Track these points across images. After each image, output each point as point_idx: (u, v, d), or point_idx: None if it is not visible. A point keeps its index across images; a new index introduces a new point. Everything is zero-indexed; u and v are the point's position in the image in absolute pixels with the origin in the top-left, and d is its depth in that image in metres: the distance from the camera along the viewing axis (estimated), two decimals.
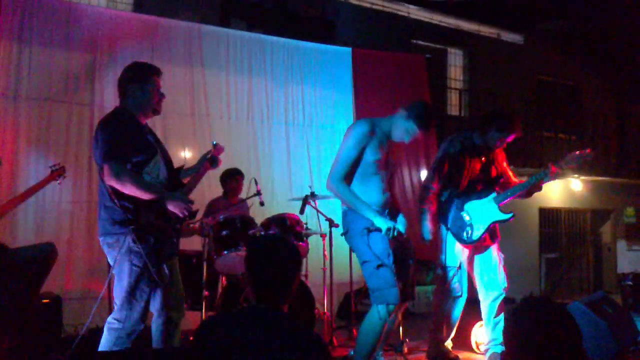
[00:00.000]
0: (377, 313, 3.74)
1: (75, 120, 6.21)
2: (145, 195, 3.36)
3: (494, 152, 4.72)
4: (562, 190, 12.21)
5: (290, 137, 7.55)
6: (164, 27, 6.87)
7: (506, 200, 4.56)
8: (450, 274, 4.61)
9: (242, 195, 6.04)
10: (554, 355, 2.08)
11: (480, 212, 4.57)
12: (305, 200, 5.39)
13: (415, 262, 4.10)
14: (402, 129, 3.94)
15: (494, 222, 4.58)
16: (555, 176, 4.57)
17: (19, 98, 6.01)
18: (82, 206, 6.14)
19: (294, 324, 2.28)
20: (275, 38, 7.65)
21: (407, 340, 4.89)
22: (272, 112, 7.46)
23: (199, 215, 4.61)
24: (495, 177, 4.71)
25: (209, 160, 3.97)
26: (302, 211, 5.36)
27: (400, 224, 3.90)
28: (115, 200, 3.38)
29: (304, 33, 8.26)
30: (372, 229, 3.78)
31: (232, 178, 6.05)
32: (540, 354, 2.07)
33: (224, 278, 5.68)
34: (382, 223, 3.75)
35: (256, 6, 8.94)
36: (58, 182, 4.89)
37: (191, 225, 5.10)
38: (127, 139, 3.41)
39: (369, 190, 3.87)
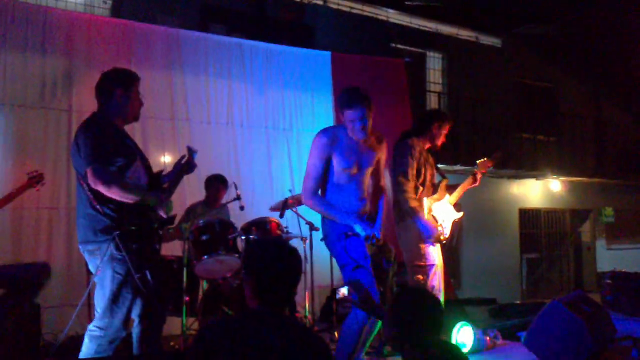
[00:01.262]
0: (355, 315, 3.76)
1: (53, 126, 6.15)
2: (131, 198, 3.35)
3: None
4: (541, 191, 12.36)
5: (271, 141, 7.53)
6: (142, 31, 6.83)
7: None
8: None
9: (223, 200, 6.03)
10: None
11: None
12: (284, 204, 5.39)
13: (395, 265, 4.12)
14: (346, 122, 3.86)
15: None
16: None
17: None
18: (60, 212, 6.07)
19: (303, 329, 2.32)
20: (254, 42, 7.64)
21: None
22: (252, 116, 7.44)
23: (177, 220, 4.59)
24: None
25: (184, 164, 3.95)
26: (281, 215, 5.36)
27: (377, 229, 3.91)
28: (98, 207, 3.37)
29: (283, 37, 8.27)
30: (350, 234, 3.81)
31: (213, 185, 6.03)
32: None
33: (204, 283, 5.65)
34: (361, 230, 3.78)
35: (235, 11, 8.94)
36: (36, 189, 4.85)
37: (170, 229, 5.07)
38: (108, 143, 3.40)
39: (344, 198, 3.90)
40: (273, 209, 5.75)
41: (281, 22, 9.22)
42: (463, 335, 4.91)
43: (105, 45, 6.50)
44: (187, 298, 5.26)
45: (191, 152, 3.92)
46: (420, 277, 4.52)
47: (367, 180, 4.02)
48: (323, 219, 3.99)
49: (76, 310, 3.75)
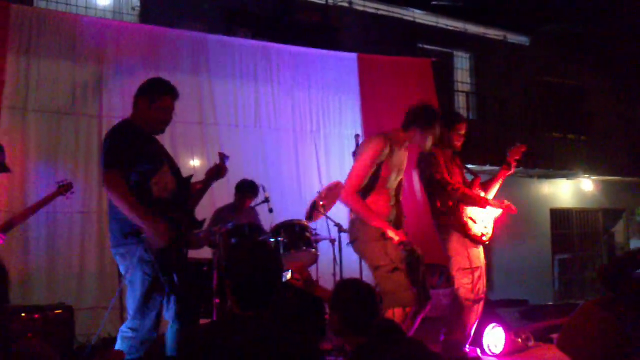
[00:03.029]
0: (392, 315, 3.73)
1: (84, 132, 6.25)
2: (128, 212, 3.33)
3: None
4: (573, 191, 12.18)
5: (298, 143, 7.55)
6: (170, 37, 6.90)
7: None
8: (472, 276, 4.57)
9: (251, 203, 6.07)
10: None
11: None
12: (313, 207, 5.39)
13: (424, 266, 4.12)
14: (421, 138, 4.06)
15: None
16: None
17: (28, 111, 6.05)
18: (92, 217, 6.16)
19: (283, 333, 2.25)
20: (280, 45, 7.67)
21: None
22: (279, 118, 7.47)
23: (206, 224, 4.61)
24: None
25: (214, 169, 3.97)
26: (308, 217, 5.36)
27: (405, 234, 3.96)
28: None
29: (309, 40, 8.28)
30: (386, 238, 3.84)
31: (243, 190, 6.03)
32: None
33: None
34: (394, 235, 3.82)
35: (260, 15, 8.96)
36: (65, 197, 4.92)
37: (200, 233, 5.10)
38: (129, 149, 3.43)
39: (378, 204, 3.94)
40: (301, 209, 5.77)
41: (306, 25, 9.22)
42: (494, 336, 4.87)
43: (133, 52, 6.58)
44: (217, 300, 5.29)
45: (223, 158, 3.95)
46: (466, 280, 4.52)
47: (398, 187, 4.08)
48: (353, 221, 4.00)
49: (107, 312, 3.80)
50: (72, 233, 6.07)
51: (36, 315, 5.04)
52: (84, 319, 5.62)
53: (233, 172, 6.44)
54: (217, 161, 4.04)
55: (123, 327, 3.45)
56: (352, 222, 4.02)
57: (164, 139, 6.41)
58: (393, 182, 4.02)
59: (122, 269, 3.51)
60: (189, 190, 3.81)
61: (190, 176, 3.90)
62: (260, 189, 5.52)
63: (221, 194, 6.29)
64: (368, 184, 3.92)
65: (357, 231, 3.97)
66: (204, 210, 3.76)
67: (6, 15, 5.94)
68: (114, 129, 3.57)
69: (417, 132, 4.03)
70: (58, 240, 5.99)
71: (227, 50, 7.24)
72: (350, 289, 2.79)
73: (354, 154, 4.93)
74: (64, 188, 4.88)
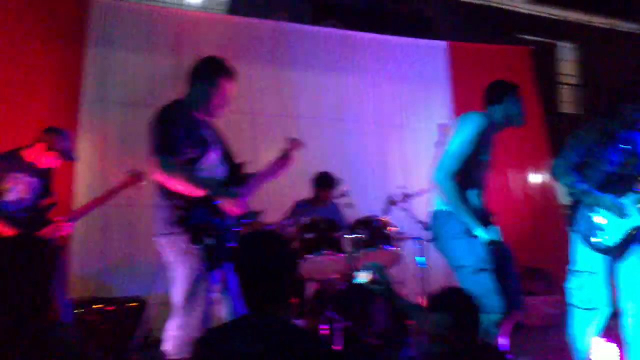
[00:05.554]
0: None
1: None
2: (194, 190, 3.14)
3: None
4: None
5: (382, 136, 7.21)
6: (250, 27, 6.76)
7: None
8: (579, 281, 3.97)
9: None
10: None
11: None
12: (390, 201, 5.03)
13: (516, 270, 3.61)
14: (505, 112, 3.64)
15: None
16: None
17: (105, 103, 6.07)
18: None
19: (290, 332, 1.96)
20: (365, 34, 7.37)
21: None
22: (362, 111, 7.17)
23: (280, 218, 4.38)
24: None
25: (281, 156, 3.72)
26: (386, 212, 5.01)
27: (495, 232, 3.43)
28: (170, 198, 3.20)
29: (398, 31, 7.91)
30: (474, 235, 3.36)
31: (320, 184, 5.75)
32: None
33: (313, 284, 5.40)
34: (482, 234, 3.34)
35: (349, 5, 8.70)
36: (137, 187, 4.80)
37: (274, 225, 4.87)
38: (178, 132, 3.21)
39: (468, 193, 3.47)
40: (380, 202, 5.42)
41: (396, 15, 8.86)
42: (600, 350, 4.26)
43: (212, 42, 6.48)
44: (294, 300, 5.06)
45: (294, 145, 3.69)
46: None
47: (486, 177, 3.62)
48: (436, 214, 3.55)
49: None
50: (149, 225, 5.97)
51: (109, 307, 4.99)
52: (162, 313, 5.52)
53: (313, 166, 6.23)
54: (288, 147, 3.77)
55: (169, 325, 3.22)
56: (435, 216, 3.56)
57: (243, 131, 6.37)
58: (484, 169, 3.55)
59: (165, 262, 3.29)
60: (241, 178, 3.57)
61: (243, 163, 3.67)
62: (337, 181, 5.21)
63: (298, 187, 6.05)
64: (462, 169, 3.42)
65: (440, 226, 3.51)
66: (267, 203, 3.48)
67: (86, 9, 6.00)
68: (162, 111, 3.32)
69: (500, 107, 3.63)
70: (137, 233, 5.93)
71: (309, 40, 7.03)
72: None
73: (438, 144, 4.52)
74: (135, 178, 4.76)
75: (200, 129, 3.38)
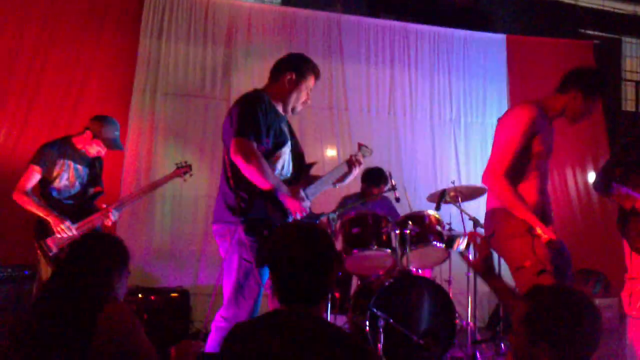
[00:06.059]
0: None
1: (212, 115, 6.16)
2: (262, 182, 3.09)
3: None
4: None
5: (436, 131, 7.01)
6: (302, 18, 6.68)
7: None
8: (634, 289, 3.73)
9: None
10: None
11: None
12: (442, 196, 4.85)
13: (572, 272, 3.39)
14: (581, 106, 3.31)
15: None
16: None
17: (158, 93, 6.08)
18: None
19: (327, 330, 1.80)
20: (420, 26, 7.18)
21: None
22: (415, 105, 6.98)
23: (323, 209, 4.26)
24: None
25: (348, 161, 3.60)
26: (437, 207, 4.83)
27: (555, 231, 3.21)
28: (233, 185, 3.17)
29: (455, 23, 7.68)
30: (535, 233, 3.12)
31: (370, 180, 5.57)
32: None
33: (357, 278, 5.27)
34: (544, 233, 3.08)
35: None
36: (183, 179, 4.77)
37: (321, 219, 4.76)
38: (261, 121, 3.17)
39: (527, 189, 3.23)
40: (430, 198, 5.23)
41: (453, 9, 8.61)
42: None
43: (264, 33, 6.45)
44: (337, 294, 4.94)
45: (363, 151, 3.64)
46: None
47: (547, 172, 3.38)
48: (493, 211, 3.34)
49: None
50: (196, 216, 5.99)
51: (152, 297, 4.99)
52: (203, 304, 5.51)
53: (364, 160, 6.08)
54: (356, 152, 3.66)
55: (217, 316, 3.16)
56: (492, 213, 3.33)
57: (293, 124, 6.27)
58: (544, 162, 3.30)
59: (221, 251, 3.23)
60: (308, 178, 3.49)
61: (313, 163, 3.63)
62: (387, 175, 5.04)
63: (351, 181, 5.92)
64: (517, 165, 3.19)
65: (498, 223, 3.27)
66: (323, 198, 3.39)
67: (140, 0, 6.02)
68: (250, 97, 3.29)
69: (579, 96, 3.29)
70: (182, 224, 5.96)
71: (362, 32, 6.89)
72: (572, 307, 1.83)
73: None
74: (182, 170, 4.73)
75: (280, 120, 3.36)
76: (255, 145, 3.10)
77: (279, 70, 3.41)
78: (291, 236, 1.95)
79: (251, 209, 3.12)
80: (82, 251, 2.42)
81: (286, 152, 3.33)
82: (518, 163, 3.20)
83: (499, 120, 3.40)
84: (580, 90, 3.29)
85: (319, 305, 1.91)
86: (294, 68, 3.38)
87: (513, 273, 3.23)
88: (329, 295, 4.62)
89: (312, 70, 3.43)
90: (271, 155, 3.23)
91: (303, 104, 3.47)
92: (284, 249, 1.92)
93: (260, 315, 2.09)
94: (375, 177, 5.50)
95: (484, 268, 2.75)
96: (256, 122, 3.14)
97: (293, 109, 3.46)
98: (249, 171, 3.07)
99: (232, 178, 3.17)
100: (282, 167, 3.30)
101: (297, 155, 3.48)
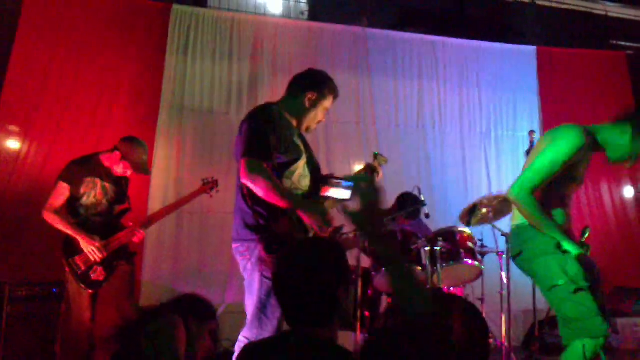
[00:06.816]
0: (581, 350, 2.92)
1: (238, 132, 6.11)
2: (277, 200, 2.99)
3: None
4: None
5: (466, 145, 6.90)
6: (328, 33, 6.65)
7: None
8: None
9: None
10: None
11: None
12: (471, 211, 4.72)
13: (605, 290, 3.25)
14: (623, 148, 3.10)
15: None
16: None
17: (185, 110, 6.09)
18: None
19: (331, 355, 1.70)
20: (448, 39, 7.09)
21: None
22: (445, 118, 6.88)
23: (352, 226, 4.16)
24: None
25: (366, 170, 3.53)
26: (468, 223, 4.70)
27: (585, 248, 3.07)
28: (250, 202, 3.10)
29: (484, 36, 7.58)
30: (563, 250, 3.01)
31: (401, 206, 5.43)
32: None
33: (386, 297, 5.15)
34: (573, 249, 2.98)
35: (433, 11, 8.44)
36: (210, 195, 4.73)
37: (344, 235, 4.65)
38: (272, 136, 3.08)
39: (551, 204, 3.11)
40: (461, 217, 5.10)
41: (482, 22, 8.51)
42: None
43: (290, 49, 6.43)
44: (367, 313, 4.83)
45: (379, 160, 3.53)
46: None
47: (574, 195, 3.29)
48: (519, 228, 3.21)
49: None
50: (224, 234, 5.93)
51: None
52: (232, 323, 5.43)
53: (392, 175, 5.97)
54: (372, 162, 3.56)
55: (240, 336, 3.08)
56: (517, 231, 3.19)
57: (319, 139, 6.23)
58: (579, 184, 3.18)
59: (241, 269, 3.15)
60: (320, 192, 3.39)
61: (330, 175, 3.51)
62: (416, 191, 4.93)
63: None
64: (548, 187, 3.07)
65: (524, 242, 3.14)
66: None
67: (166, 16, 6.07)
68: (259, 111, 3.23)
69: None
70: (210, 241, 5.89)
71: (389, 45, 6.82)
72: None
73: (528, 152, 4.19)
74: (209, 186, 4.69)
75: (294, 135, 3.28)
76: (264, 164, 3.02)
77: (299, 86, 3.34)
78: (292, 254, 1.86)
79: (270, 225, 3.04)
80: None
81: (301, 165, 3.25)
82: (550, 185, 3.07)
83: (546, 134, 3.25)
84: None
85: (328, 326, 1.81)
86: (315, 87, 3.31)
87: (546, 293, 3.11)
88: (335, 316, 4.51)
89: (332, 91, 3.37)
90: (286, 169, 3.15)
91: (317, 124, 3.42)
92: (284, 267, 1.84)
93: (271, 337, 2.01)
94: (410, 204, 5.30)
95: None
96: (264, 140, 3.06)
97: (307, 128, 3.39)
98: (261, 193, 2.99)
99: (248, 195, 3.11)
100: (298, 181, 3.22)
101: (313, 168, 3.39)
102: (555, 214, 3.11)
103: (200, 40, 6.17)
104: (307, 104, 3.29)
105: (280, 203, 2.99)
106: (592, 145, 3.10)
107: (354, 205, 1.83)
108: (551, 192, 3.10)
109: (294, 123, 3.32)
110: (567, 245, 2.98)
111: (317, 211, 3.06)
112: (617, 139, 3.10)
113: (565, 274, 2.98)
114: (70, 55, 5.74)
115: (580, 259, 2.97)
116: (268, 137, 3.07)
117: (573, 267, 2.97)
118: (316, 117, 3.35)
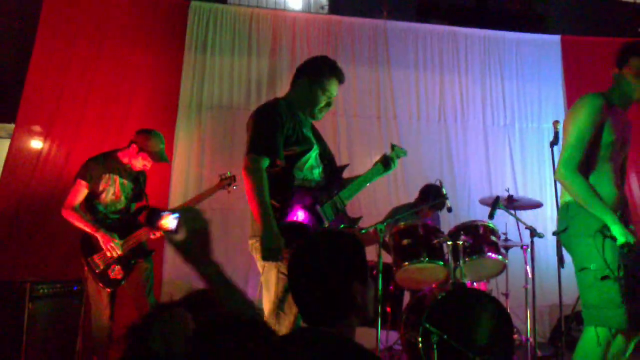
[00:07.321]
0: (595, 337, 2.86)
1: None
2: (252, 206, 2.94)
3: None
4: None
5: (489, 137, 6.78)
6: (347, 25, 6.58)
7: None
8: None
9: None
10: None
11: None
12: (495, 204, 4.62)
13: None
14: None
15: None
16: None
17: (204, 106, 6.08)
18: None
19: (348, 349, 1.63)
20: (470, 30, 6.97)
21: None
22: (467, 111, 6.77)
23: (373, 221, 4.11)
24: None
25: (382, 160, 3.44)
26: (491, 216, 4.61)
27: (634, 234, 2.95)
28: None
29: (505, 26, 7.44)
30: (607, 234, 2.89)
31: (423, 199, 5.36)
32: None
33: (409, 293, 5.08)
34: (620, 234, 2.85)
35: (453, 3, 8.32)
36: (227, 190, 4.70)
37: (362, 231, 4.58)
38: (276, 132, 3.05)
39: (599, 183, 3.01)
40: (483, 201, 5.01)
41: (504, 11, 8.37)
42: None
43: (309, 43, 6.39)
44: (388, 309, 4.77)
45: (397, 151, 3.46)
46: None
47: (624, 164, 3.16)
48: (567, 204, 3.11)
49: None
50: (244, 230, 5.89)
51: None
52: None
53: (413, 169, 5.91)
54: (388, 152, 3.49)
55: None
56: (566, 207, 3.10)
57: (340, 134, 6.17)
58: (619, 152, 3.07)
59: (258, 265, 3.11)
60: (340, 181, 3.33)
61: (346, 166, 3.44)
62: (437, 184, 4.85)
63: (398, 190, 5.76)
64: (588, 157, 3.00)
65: (572, 219, 3.05)
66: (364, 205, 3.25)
67: (184, 13, 6.08)
68: (264, 108, 3.19)
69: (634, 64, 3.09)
70: (229, 237, 5.88)
71: (409, 37, 6.74)
72: None
73: (552, 144, 4.08)
74: (226, 182, 4.66)
75: (303, 127, 3.24)
76: (266, 161, 2.99)
77: (299, 74, 3.31)
78: (306, 247, 1.81)
79: (284, 217, 2.98)
80: None
81: (312, 156, 3.21)
82: (589, 155, 3.00)
83: (567, 114, 3.21)
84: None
85: (344, 323, 1.74)
86: (307, 73, 3.26)
87: (577, 273, 3.02)
88: (351, 313, 4.44)
89: (333, 73, 3.26)
90: (297, 161, 3.11)
91: (324, 110, 3.30)
92: (298, 261, 1.79)
93: (287, 334, 1.96)
94: (434, 196, 5.22)
95: None
96: (269, 136, 3.03)
97: (313, 116, 3.31)
98: (246, 187, 2.96)
99: None
100: (312, 172, 3.17)
101: (328, 160, 3.34)
102: (599, 182, 3.02)
103: (219, 36, 6.17)
104: (301, 90, 3.25)
105: (253, 211, 2.94)
106: (614, 104, 3.07)
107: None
108: (592, 162, 3.04)
109: (302, 114, 3.27)
110: (615, 230, 2.87)
111: (270, 243, 2.89)
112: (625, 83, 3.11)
113: (599, 259, 2.88)
114: (89, 53, 5.77)
115: (625, 246, 2.85)
116: (272, 132, 3.04)
117: (610, 253, 2.87)
118: (315, 102, 3.24)
